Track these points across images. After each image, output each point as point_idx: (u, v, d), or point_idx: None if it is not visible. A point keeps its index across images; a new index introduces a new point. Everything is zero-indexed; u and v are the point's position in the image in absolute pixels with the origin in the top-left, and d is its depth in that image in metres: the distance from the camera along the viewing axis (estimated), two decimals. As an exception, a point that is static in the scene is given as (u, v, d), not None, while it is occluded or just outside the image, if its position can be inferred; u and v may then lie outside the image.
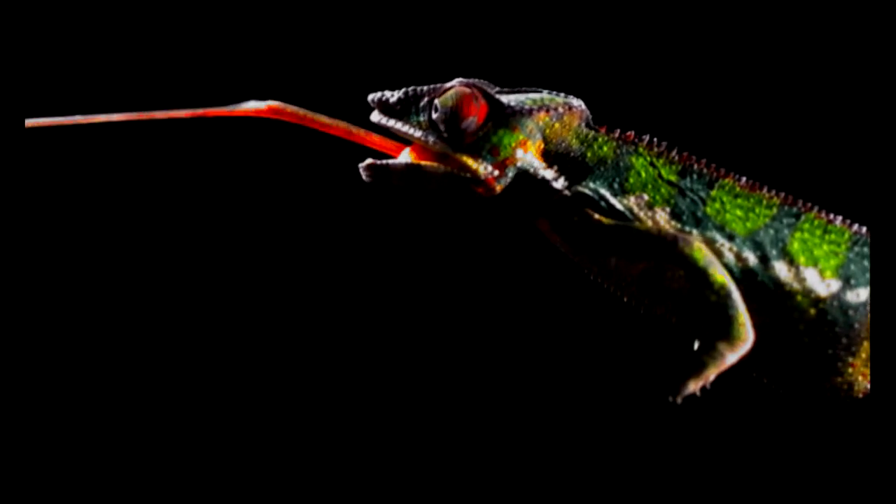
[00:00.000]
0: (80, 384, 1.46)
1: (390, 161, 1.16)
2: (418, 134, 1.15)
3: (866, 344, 1.12)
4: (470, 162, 1.14)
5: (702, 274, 1.10)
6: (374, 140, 1.19)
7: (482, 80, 1.17)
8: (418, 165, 1.15)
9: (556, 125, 1.16)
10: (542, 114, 1.16)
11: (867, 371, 1.13)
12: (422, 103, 1.16)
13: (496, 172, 1.14)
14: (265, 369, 1.47)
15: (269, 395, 1.45)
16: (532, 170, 1.15)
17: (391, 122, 1.16)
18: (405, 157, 1.17)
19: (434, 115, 1.14)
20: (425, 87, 1.16)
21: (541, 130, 1.16)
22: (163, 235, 1.53)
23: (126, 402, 1.44)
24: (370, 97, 1.18)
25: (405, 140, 1.18)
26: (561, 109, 1.16)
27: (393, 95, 1.17)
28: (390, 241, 1.52)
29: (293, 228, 1.52)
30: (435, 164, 1.15)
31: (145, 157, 1.54)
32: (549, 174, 1.16)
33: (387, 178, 1.16)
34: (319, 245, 1.52)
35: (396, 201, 1.42)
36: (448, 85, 1.16)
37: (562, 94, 1.19)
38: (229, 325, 1.50)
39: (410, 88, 1.17)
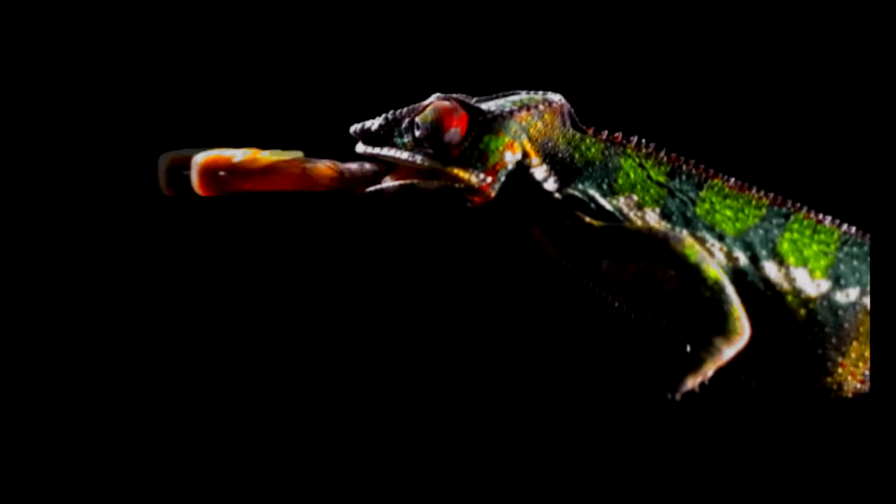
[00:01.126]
0: (79, 388, 1.45)
1: (384, 185, 1.15)
2: (405, 156, 1.15)
3: (856, 344, 1.13)
4: (461, 173, 1.13)
5: (694, 270, 1.10)
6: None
7: (459, 94, 1.17)
8: (412, 184, 1.14)
9: (539, 123, 1.16)
10: (524, 113, 1.15)
11: (856, 371, 1.13)
12: (403, 125, 1.15)
13: (489, 179, 1.14)
14: (265, 378, 1.47)
15: (269, 402, 1.45)
16: (523, 169, 1.15)
17: (377, 150, 1.16)
18: (392, 177, 1.16)
19: (417, 134, 1.14)
20: (404, 109, 1.16)
21: (525, 130, 1.15)
22: (166, 245, 1.53)
23: (126, 404, 1.44)
24: (352, 129, 1.18)
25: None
26: (541, 106, 1.16)
27: (374, 123, 1.17)
28: (388, 252, 1.52)
29: (293, 241, 1.52)
30: (428, 181, 1.14)
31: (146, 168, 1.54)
32: (539, 173, 1.15)
33: (382, 203, 1.16)
34: (317, 259, 1.52)
35: (393, 220, 1.42)
36: (426, 102, 1.16)
37: (540, 92, 1.18)
38: (229, 335, 1.50)
39: (389, 112, 1.17)
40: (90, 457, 1.40)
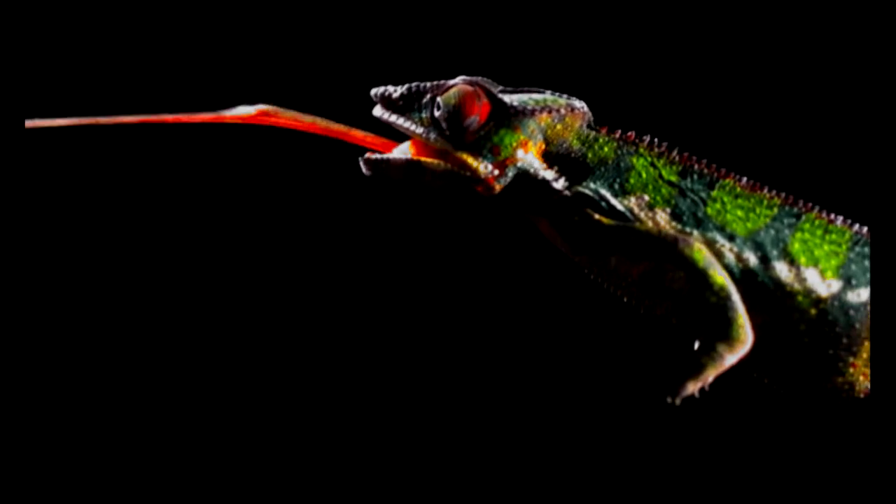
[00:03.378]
0: (78, 385, 1.46)
1: (391, 156, 1.16)
2: (420, 130, 1.15)
3: (867, 344, 1.12)
4: (470, 160, 1.14)
5: (702, 275, 1.10)
6: (370, 141, 1.19)
7: (485, 79, 1.17)
8: (419, 161, 1.15)
9: (558, 126, 1.16)
10: (545, 114, 1.16)
11: (868, 371, 1.13)
12: (424, 100, 1.15)
13: (496, 172, 1.14)
14: (265, 367, 1.48)
15: (269, 393, 1.45)
16: (532, 170, 1.15)
17: (393, 118, 1.16)
18: (405, 151, 1.17)
19: (436, 113, 1.14)
20: (428, 84, 1.16)
21: (542, 131, 1.16)
22: (160, 235, 1.53)
23: (125, 404, 1.44)
24: (373, 92, 1.18)
25: (404, 137, 1.18)
26: (563, 111, 1.16)
27: (396, 91, 1.17)
28: (389, 239, 1.52)
29: (291, 225, 1.52)
30: (435, 161, 1.15)
31: (140, 158, 1.54)
32: (549, 175, 1.16)
33: (387, 173, 1.16)
34: (316, 243, 1.52)
35: (395, 196, 1.42)
36: (451, 82, 1.16)
37: (564, 96, 1.18)
38: (228, 324, 1.50)
39: (413, 84, 1.17)
40: (89, 457, 1.41)
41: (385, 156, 1.16)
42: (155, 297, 1.52)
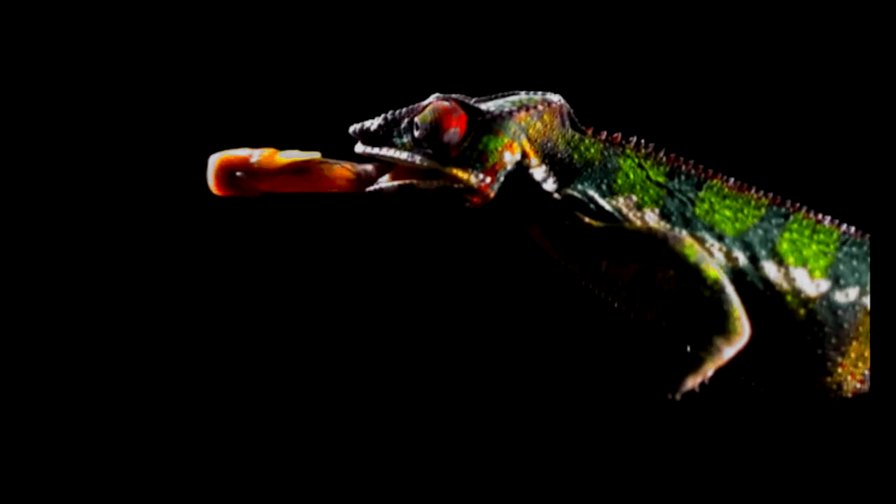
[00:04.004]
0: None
1: (382, 185, 1.15)
2: (405, 156, 1.14)
3: (855, 344, 1.13)
4: (460, 174, 1.13)
5: (694, 270, 1.10)
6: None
7: (459, 94, 1.17)
8: (411, 184, 1.14)
9: (538, 123, 1.16)
10: (523, 114, 1.15)
11: (856, 371, 1.13)
12: (402, 125, 1.15)
13: (488, 179, 1.14)
14: (264, 376, 1.48)
15: (267, 400, 1.46)
16: (522, 170, 1.15)
17: (376, 150, 1.16)
18: (391, 177, 1.16)
19: (416, 134, 1.14)
20: (403, 109, 1.16)
21: (524, 130, 1.16)
22: (160, 236, 1.54)
23: (122, 404, 1.45)
24: (351, 129, 1.17)
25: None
26: (540, 107, 1.16)
27: (373, 123, 1.16)
28: (387, 251, 1.52)
29: (292, 240, 1.52)
30: (427, 181, 1.14)
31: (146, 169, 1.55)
32: (538, 173, 1.15)
33: (381, 202, 1.16)
34: (316, 257, 1.53)
35: (392, 219, 1.42)
36: (425, 102, 1.16)
37: (539, 93, 1.18)
38: (230, 333, 1.51)
39: (389, 113, 1.16)
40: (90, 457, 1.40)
41: (377, 186, 1.15)
42: (154, 299, 1.52)
